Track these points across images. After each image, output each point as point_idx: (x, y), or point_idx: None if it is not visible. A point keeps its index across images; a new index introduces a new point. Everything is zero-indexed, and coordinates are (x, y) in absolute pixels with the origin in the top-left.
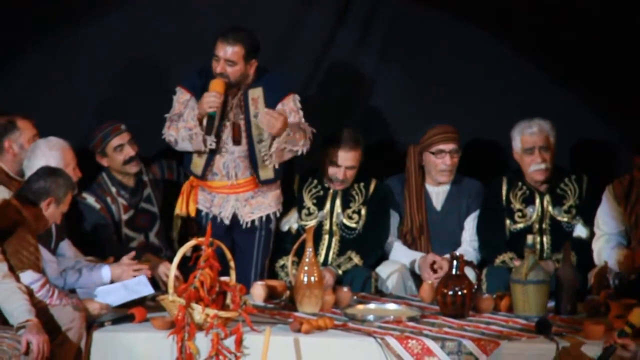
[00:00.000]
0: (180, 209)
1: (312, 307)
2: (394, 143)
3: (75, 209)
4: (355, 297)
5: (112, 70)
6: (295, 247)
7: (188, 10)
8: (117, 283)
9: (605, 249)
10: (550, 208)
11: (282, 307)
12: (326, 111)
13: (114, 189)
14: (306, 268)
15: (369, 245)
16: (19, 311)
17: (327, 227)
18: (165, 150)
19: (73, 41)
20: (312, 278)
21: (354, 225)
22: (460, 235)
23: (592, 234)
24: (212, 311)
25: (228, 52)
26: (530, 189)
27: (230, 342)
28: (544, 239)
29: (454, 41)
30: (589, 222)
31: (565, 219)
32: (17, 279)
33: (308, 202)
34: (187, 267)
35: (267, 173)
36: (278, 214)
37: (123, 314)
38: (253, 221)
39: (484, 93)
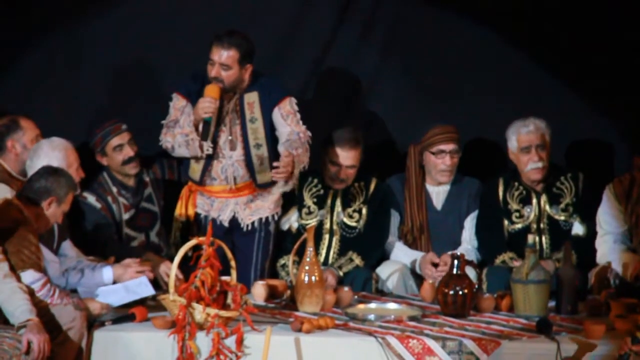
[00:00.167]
0: (179, 213)
1: (313, 307)
2: (394, 143)
3: (76, 208)
4: (356, 297)
5: (113, 71)
6: (296, 246)
7: (188, 10)
8: (119, 284)
9: (614, 251)
10: (547, 207)
11: (282, 306)
12: (326, 111)
13: (114, 189)
14: (307, 267)
15: (370, 245)
16: (20, 311)
17: (327, 226)
18: (166, 150)
19: (73, 41)
20: (313, 277)
21: (354, 224)
22: (461, 235)
23: (589, 232)
24: (213, 311)
25: (223, 56)
26: (526, 188)
27: (231, 342)
28: (543, 238)
29: (454, 41)
30: (586, 220)
31: (563, 218)
32: (18, 279)
33: (308, 201)
34: (187, 267)
35: (264, 177)
36: (277, 217)
37: (124, 314)
38: (253, 223)
39: (484, 93)
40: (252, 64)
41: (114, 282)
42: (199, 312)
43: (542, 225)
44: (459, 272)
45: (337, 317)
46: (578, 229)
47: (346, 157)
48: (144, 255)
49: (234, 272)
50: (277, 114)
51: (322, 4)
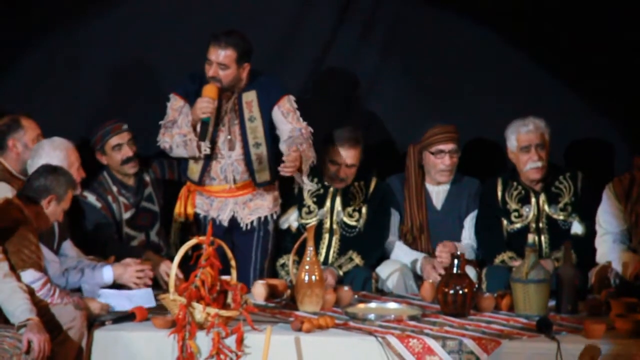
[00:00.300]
0: (178, 213)
1: (313, 306)
2: (393, 143)
3: (77, 207)
4: (356, 296)
5: (113, 71)
6: (296, 246)
7: (188, 10)
8: (122, 291)
9: (614, 251)
10: (546, 207)
11: (283, 306)
12: (326, 111)
13: (115, 188)
14: (307, 267)
15: (370, 244)
16: (20, 310)
17: (327, 225)
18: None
19: (73, 41)
20: (313, 277)
21: (354, 223)
22: (460, 234)
23: (588, 231)
24: (213, 310)
25: (220, 55)
26: (525, 188)
27: (231, 341)
28: (542, 237)
29: (454, 41)
30: (585, 219)
31: (562, 217)
32: (18, 278)
33: (308, 200)
34: (188, 266)
35: (263, 176)
36: (275, 216)
37: (124, 313)
38: (252, 222)
39: (484, 93)
40: (250, 63)
41: (114, 282)
42: (199, 311)
43: (541, 225)
44: (459, 271)
45: (337, 317)
46: (577, 228)
47: (346, 156)
48: (144, 254)
49: (234, 272)
50: (277, 112)
51: (322, 4)
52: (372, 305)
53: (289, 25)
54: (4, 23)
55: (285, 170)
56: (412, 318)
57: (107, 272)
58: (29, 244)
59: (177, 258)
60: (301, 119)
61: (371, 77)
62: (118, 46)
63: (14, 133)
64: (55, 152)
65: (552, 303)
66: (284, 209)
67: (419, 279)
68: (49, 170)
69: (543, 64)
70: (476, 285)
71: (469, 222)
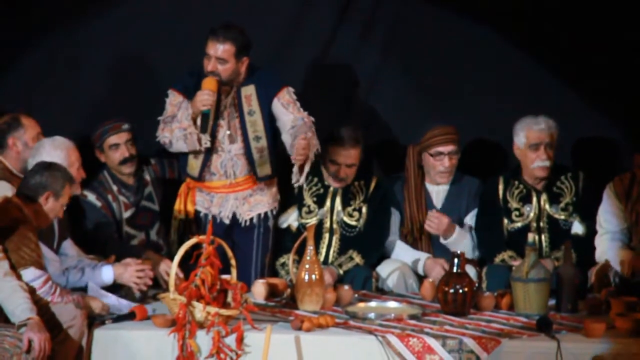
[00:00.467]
0: (178, 210)
1: (313, 305)
2: (394, 143)
3: (77, 206)
4: (356, 295)
5: (113, 70)
6: (296, 245)
7: (188, 10)
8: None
9: (611, 249)
10: (547, 206)
11: (283, 305)
12: (326, 111)
13: (115, 187)
14: (307, 266)
15: (370, 243)
16: (20, 309)
17: (327, 225)
18: (164, 146)
19: (73, 41)
20: (313, 276)
21: (354, 223)
22: None
23: (589, 231)
24: (213, 309)
25: (219, 50)
26: (527, 187)
27: (231, 340)
28: (542, 237)
29: (454, 41)
30: (586, 219)
31: (562, 217)
32: (19, 277)
33: (308, 200)
34: (188, 265)
35: (265, 170)
36: (275, 212)
37: (124, 312)
38: (251, 219)
39: (484, 93)
40: (249, 57)
41: (115, 281)
42: (199, 310)
43: (541, 224)
44: (459, 270)
45: (338, 316)
46: (578, 228)
47: (346, 155)
48: (144, 253)
49: (234, 271)
50: (277, 105)
51: (322, 4)
52: (372, 304)
53: (289, 25)
54: (4, 23)
55: (297, 158)
56: (412, 317)
57: (108, 272)
58: (29, 243)
59: (177, 257)
60: (302, 109)
61: (371, 77)
62: (118, 46)
63: (14, 131)
64: (56, 152)
65: (552, 302)
66: (284, 208)
67: (419, 278)
68: (44, 167)
69: (543, 64)
70: (476, 284)
71: (469, 222)
